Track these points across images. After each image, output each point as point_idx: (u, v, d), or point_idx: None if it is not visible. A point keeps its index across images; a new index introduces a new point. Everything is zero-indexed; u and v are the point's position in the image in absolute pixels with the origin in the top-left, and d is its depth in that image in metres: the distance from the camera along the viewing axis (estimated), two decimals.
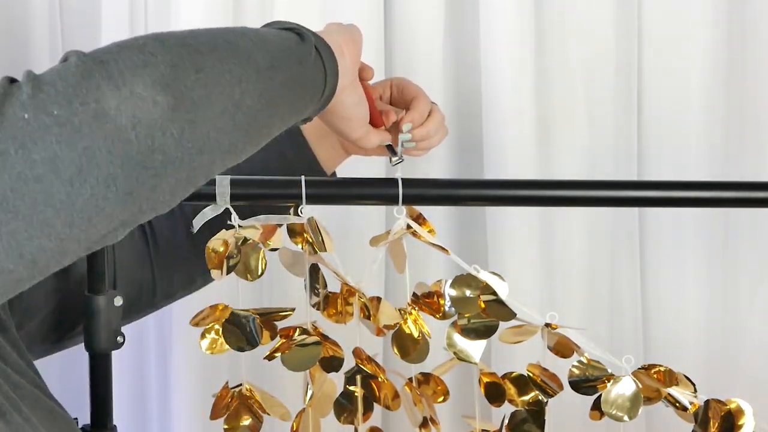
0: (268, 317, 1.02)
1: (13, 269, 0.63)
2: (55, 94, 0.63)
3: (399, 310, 1.02)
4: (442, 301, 1.01)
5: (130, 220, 0.68)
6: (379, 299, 1.01)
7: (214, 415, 1.03)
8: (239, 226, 0.98)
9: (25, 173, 0.62)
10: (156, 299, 1.11)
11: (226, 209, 0.98)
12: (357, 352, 1.02)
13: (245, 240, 0.98)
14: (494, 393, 1.04)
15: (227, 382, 1.05)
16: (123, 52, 0.67)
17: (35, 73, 0.65)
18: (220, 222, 0.99)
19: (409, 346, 1.02)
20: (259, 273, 0.99)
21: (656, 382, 1.00)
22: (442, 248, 1.02)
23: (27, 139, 0.62)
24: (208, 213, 0.98)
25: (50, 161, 0.62)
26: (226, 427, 1.03)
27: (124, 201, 0.66)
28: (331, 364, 1.02)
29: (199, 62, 0.70)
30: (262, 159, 1.08)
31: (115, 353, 1.01)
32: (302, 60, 0.82)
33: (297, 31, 0.84)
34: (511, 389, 1.03)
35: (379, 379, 1.03)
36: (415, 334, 1.02)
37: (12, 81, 0.65)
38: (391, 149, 1.02)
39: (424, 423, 1.04)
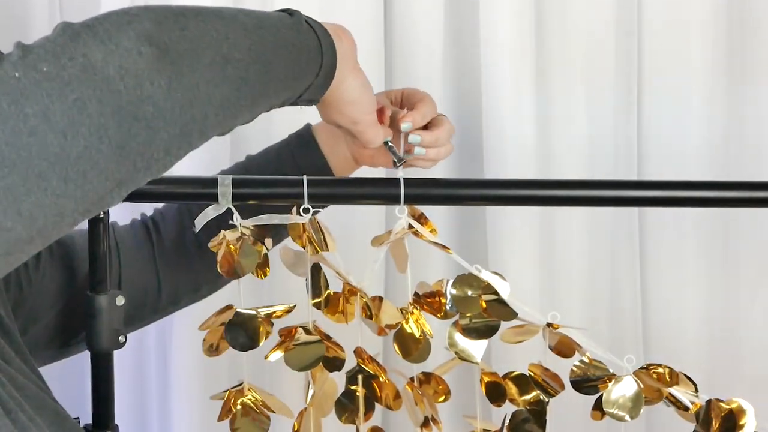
0: (270, 315, 1.01)
1: (12, 227, 0.64)
2: (44, 53, 0.65)
3: (400, 309, 1.02)
4: (443, 301, 1.01)
5: (126, 180, 0.69)
6: (380, 299, 1.01)
7: (222, 417, 1.03)
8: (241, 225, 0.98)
9: (19, 126, 0.63)
10: (161, 304, 1.10)
11: (228, 209, 0.98)
12: (358, 352, 1.02)
13: (247, 239, 0.99)
14: (495, 393, 1.04)
15: (236, 384, 1.04)
16: (109, 16, 0.70)
17: (24, 43, 0.67)
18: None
19: (411, 346, 1.02)
20: (267, 269, 1.00)
21: (657, 382, 1.00)
22: (444, 247, 1.02)
23: (18, 95, 0.63)
24: (210, 212, 0.98)
25: (42, 114, 0.64)
26: (235, 428, 1.03)
27: (118, 155, 0.67)
28: (333, 363, 1.02)
29: (183, 22, 0.72)
30: (274, 166, 1.08)
31: (115, 353, 1.01)
32: (292, 27, 0.83)
33: (286, 11, 0.85)
34: (512, 389, 1.03)
35: (381, 379, 1.03)
36: (417, 334, 1.02)
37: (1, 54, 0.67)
38: (393, 151, 1.02)
39: (426, 423, 1.04)
